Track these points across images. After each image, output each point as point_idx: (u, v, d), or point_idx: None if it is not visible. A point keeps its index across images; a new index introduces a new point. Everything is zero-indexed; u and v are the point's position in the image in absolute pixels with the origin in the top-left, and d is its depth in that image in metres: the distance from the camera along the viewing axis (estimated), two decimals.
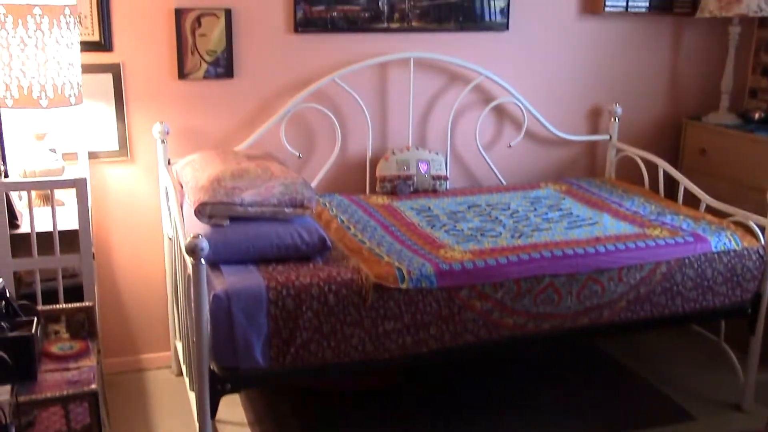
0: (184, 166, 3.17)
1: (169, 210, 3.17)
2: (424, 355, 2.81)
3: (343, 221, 3.27)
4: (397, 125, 3.84)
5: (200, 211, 2.72)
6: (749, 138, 3.87)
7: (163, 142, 3.34)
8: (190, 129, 3.50)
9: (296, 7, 3.53)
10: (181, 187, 3.12)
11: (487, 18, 3.84)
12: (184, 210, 2.99)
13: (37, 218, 2.77)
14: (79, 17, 3.18)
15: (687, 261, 3.10)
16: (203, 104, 3.50)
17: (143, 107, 3.41)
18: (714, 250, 3.14)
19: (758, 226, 3.25)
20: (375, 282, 2.65)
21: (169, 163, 3.36)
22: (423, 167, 3.71)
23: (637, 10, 4.05)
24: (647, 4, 4.06)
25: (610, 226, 3.30)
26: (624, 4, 4.02)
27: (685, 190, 3.69)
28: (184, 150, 3.46)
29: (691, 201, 3.66)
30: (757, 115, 4.09)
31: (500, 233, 3.18)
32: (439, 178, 3.75)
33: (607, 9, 3.98)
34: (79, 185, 2.61)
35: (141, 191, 3.49)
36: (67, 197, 3.17)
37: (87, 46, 3.22)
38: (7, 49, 2.76)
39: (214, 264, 2.67)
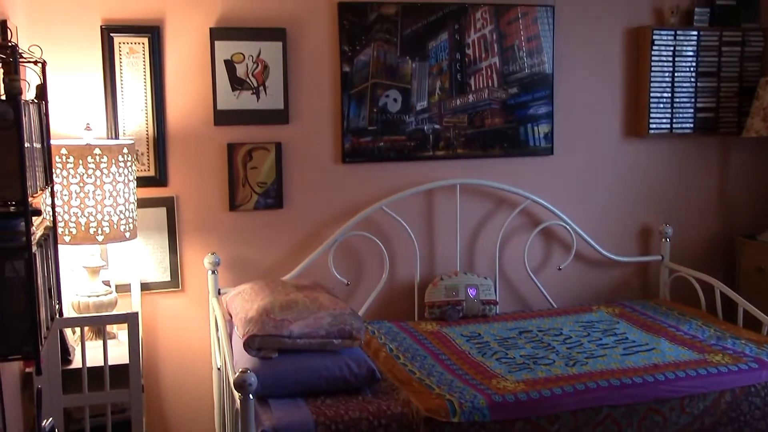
0: (234, 296, 3.20)
1: (219, 341, 3.18)
2: None
3: (392, 350, 3.23)
4: (444, 251, 3.84)
5: (249, 344, 2.72)
6: None
7: (213, 272, 3.39)
8: (240, 259, 3.55)
9: (344, 139, 3.63)
10: (231, 317, 3.13)
11: (531, 143, 3.90)
12: (233, 341, 2.99)
13: (88, 352, 2.79)
14: (137, 155, 3.32)
15: (753, 389, 2.95)
16: (253, 234, 3.56)
17: (195, 239, 3.49)
18: None
19: None
20: (426, 416, 2.58)
21: (219, 293, 3.40)
22: (472, 292, 3.68)
23: (681, 131, 4.07)
24: (692, 125, 4.08)
25: (668, 351, 3.19)
26: (668, 126, 4.04)
27: (745, 311, 3.56)
28: (234, 280, 3.50)
29: (753, 323, 3.53)
30: None
31: (553, 361, 3.09)
32: (488, 303, 3.70)
33: (651, 131, 4.01)
34: (131, 320, 2.64)
35: (191, 322, 3.52)
36: (119, 329, 3.21)
37: (143, 182, 3.34)
38: (67, 188, 2.88)
39: (262, 397, 2.63)
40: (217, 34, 3.41)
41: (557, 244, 4.02)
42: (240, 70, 3.46)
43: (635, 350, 3.21)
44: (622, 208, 4.12)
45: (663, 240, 4.07)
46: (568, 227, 3.95)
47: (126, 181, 3.00)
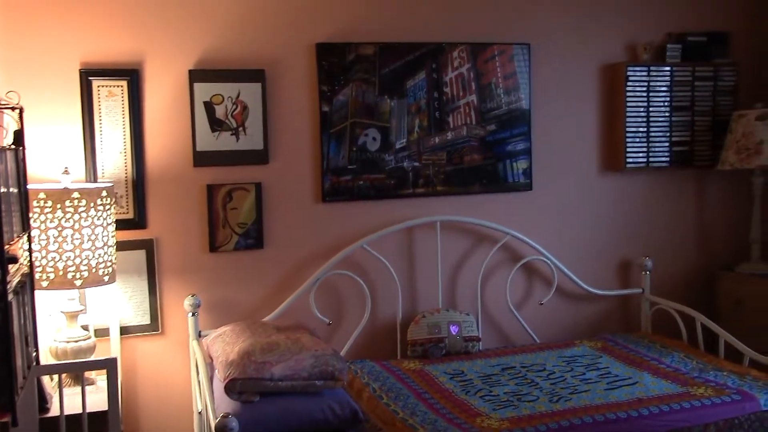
0: (215, 339, 3.17)
1: (199, 384, 3.14)
2: None
3: (375, 390, 3.20)
4: (426, 288, 3.84)
5: (230, 388, 2.69)
6: None
7: (193, 315, 3.36)
8: (221, 300, 3.52)
9: (324, 178, 3.64)
10: (211, 360, 3.10)
11: (510, 179, 3.93)
12: (214, 384, 2.95)
13: (67, 399, 2.74)
14: (116, 197, 3.31)
15: (736, 422, 2.96)
16: (234, 275, 3.54)
17: (175, 281, 3.46)
18: (764, 408, 3.00)
19: None
20: None
21: (200, 335, 3.36)
22: (454, 329, 3.67)
23: (658, 165, 4.12)
24: (668, 159, 4.14)
25: (651, 385, 3.19)
26: (645, 160, 4.09)
27: (726, 342, 3.58)
28: (215, 322, 3.47)
29: (734, 354, 3.54)
30: None
31: (537, 397, 3.08)
32: (471, 339, 3.69)
33: (628, 166, 4.06)
34: (110, 366, 2.60)
35: (171, 365, 3.48)
36: (98, 375, 3.16)
37: (122, 224, 3.32)
38: (45, 232, 2.85)
39: None
40: (196, 76, 3.43)
41: (538, 278, 4.04)
42: (219, 112, 3.47)
43: (619, 384, 3.21)
44: (601, 241, 4.15)
45: (643, 273, 4.10)
46: (548, 262, 3.97)
47: (105, 225, 2.98)
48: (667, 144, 4.13)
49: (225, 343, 3.02)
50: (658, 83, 4.09)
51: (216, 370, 2.97)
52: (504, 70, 3.88)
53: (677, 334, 3.90)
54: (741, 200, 4.32)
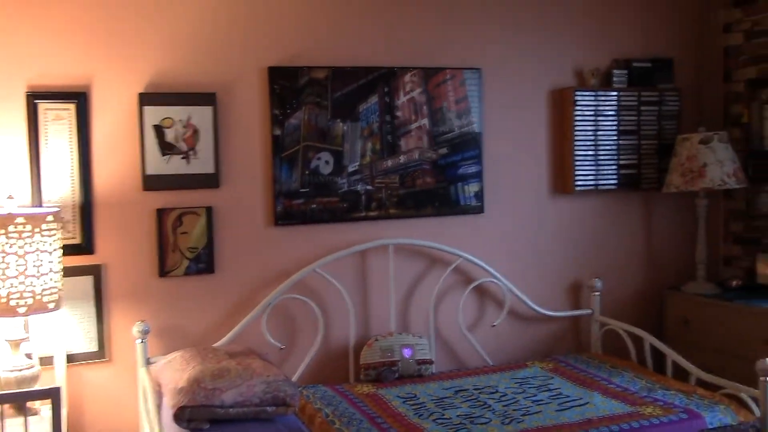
0: (164, 365, 3.11)
1: (148, 413, 3.07)
2: None
3: (327, 415, 3.17)
4: (379, 311, 3.84)
5: (179, 416, 2.64)
6: (729, 307, 3.89)
7: (142, 341, 3.30)
8: (170, 326, 3.47)
9: (276, 202, 3.63)
10: (160, 388, 3.04)
11: (462, 202, 3.96)
12: (162, 412, 2.90)
13: (9, 430, 2.67)
14: (62, 222, 3.24)
15: None
16: (184, 301, 3.50)
17: (123, 307, 3.40)
18: (709, 426, 3.06)
19: (751, 398, 3.20)
20: None
21: (148, 362, 3.30)
22: (407, 353, 3.67)
23: (606, 187, 4.20)
24: (616, 181, 4.22)
25: (601, 405, 3.23)
26: (594, 182, 4.17)
27: (674, 362, 3.65)
28: (164, 348, 3.41)
29: (681, 373, 3.61)
30: (734, 283, 4.14)
31: (490, 419, 3.09)
32: (424, 362, 3.69)
33: (577, 189, 4.13)
34: (53, 396, 2.54)
35: (119, 394, 3.40)
36: (42, 404, 3.08)
37: (69, 250, 3.25)
38: None
39: None
40: (146, 99, 3.39)
41: (490, 301, 4.07)
42: (169, 135, 3.44)
43: (570, 405, 3.24)
44: (552, 263, 4.20)
45: (593, 294, 4.16)
46: (500, 284, 4.00)
47: (50, 250, 2.92)
48: (614, 167, 4.22)
49: (174, 370, 2.97)
50: (606, 107, 4.18)
51: (165, 398, 2.92)
52: (456, 94, 3.93)
53: (627, 354, 3.96)
54: (686, 222, 4.42)
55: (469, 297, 3.99)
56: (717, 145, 3.96)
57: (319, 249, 3.71)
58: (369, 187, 3.79)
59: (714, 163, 3.94)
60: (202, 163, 3.49)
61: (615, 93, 4.20)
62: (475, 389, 3.50)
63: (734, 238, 4.38)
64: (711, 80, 4.45)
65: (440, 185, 3.92)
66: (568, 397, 3.36)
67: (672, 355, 3.67)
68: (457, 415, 3.15)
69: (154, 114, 3.40)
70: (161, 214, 3.43)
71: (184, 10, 3.46)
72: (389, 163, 3.83)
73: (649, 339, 3.85)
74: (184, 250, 3.47)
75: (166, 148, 3.43)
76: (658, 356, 3.84)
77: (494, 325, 4.02)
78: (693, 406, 3.18)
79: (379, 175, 3.81)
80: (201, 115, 3.48)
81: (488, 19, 4.00)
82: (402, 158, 3.85)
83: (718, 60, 4.41)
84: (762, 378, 3.11)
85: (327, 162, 3.72)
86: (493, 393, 3.44)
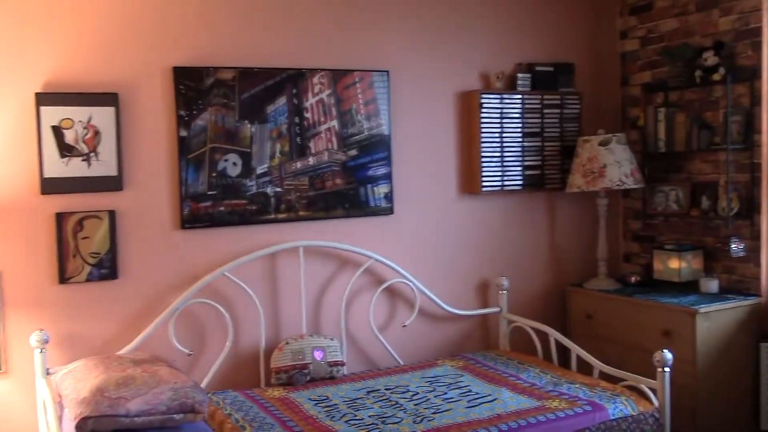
0: (65, 375, 2.99)
1: (48, 426, 2.95)
2: None
3: (237, 420, 3.12)
4: (290, 314, 3.81)
5: (81, 427, 2.54)
6: (629, 302, 4.05)
7: (41, 351, 3.16)
8: (71, 335, 3.34)
9: (182, 204, 3.55)
10: (61, 399, 2.93)
11: (372, 204, 3.98)
12: (63, 425, 2.79)
13: None
14: None
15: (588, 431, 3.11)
16: (86, 308, 3.37)
17: (21, 315, 3.25)
18: (612, 417, 3.17)
19: (650, 388, 3.33)
20: None
21: (48, 373, 3.17)
22: (318, 355, 3.65)
23: (512, 188, 4.30)
24: (521, 182, 4.33)
25: (509, 401, 3.30)
26: (500, 183, 4.26)
27: (578, 356, 3.77)
28: (65, 358, 3.28)
29: (585, 366, 3.73)
30: (633, 279, 4.32)
31: (401, 419, 3.11)
32: (335, 364, 3.69)
33: (484, 189, 4.21)
34: None
35: (15, 407, 3.25)
36: None
37: None
38: None
39: None
40: (44, 99, 3.26)
41: (401, 301, 4.10)
42: (69, 137, 3.31)
43: (479, 402, 3.30)
44: (461, 263, 4.27)
45: (500, 292, 4.25)
46: (410, 284, 4.04)
47: None
48: (520, 168, 4.32)
49: (76, 380, 2.86)
50: (511, 110, 4.28)
51: (66, 410, 2.81)
52: (364, 96, 3.94)
53: (534, 350, 4.07)
54: (588, 221, 4.58)
55: (379, 298, 4.00)
56: (615, 147, 4.12)
57: (227, 252, 3.65)
58: (278, 189, 3.76)
59: (613, 164, 4.09)
60: (104, 166, 3.38)
61: (519, 96, 4.30)
62: (386, 389, 3.51)
63: (633, 235, 4.57)
64: (609, 84, 4.63)
65: (350, 187, 3.92)
66: (478, 393, 3.41)
67: (576, 350, 3.79)
68: (369, 416, 3.16)
69: (52, 114, 3.27)
70: (60, 218, 3.30)
71: (85, 5, 3.34)
72: (299, 164, 3.81)
73: (554, 335, 3.96)
74: (86, 255, 3.35)
75: (66, 149, 3.30)
76: (564, 352, 3.96)
77: (405, 326, 4.05)
78: (596, 398, 3.29)
79: (288, 177, 3.78)
80: (102, 116, 3.36)
81: (396, 22, 4.04)
82: (311, 160, 3.84)
83: (616, 65, 4.59)
84: (659, 369, 3.26)
85: (235, 164, 3.66)
86: (404, 392, 3.46)
